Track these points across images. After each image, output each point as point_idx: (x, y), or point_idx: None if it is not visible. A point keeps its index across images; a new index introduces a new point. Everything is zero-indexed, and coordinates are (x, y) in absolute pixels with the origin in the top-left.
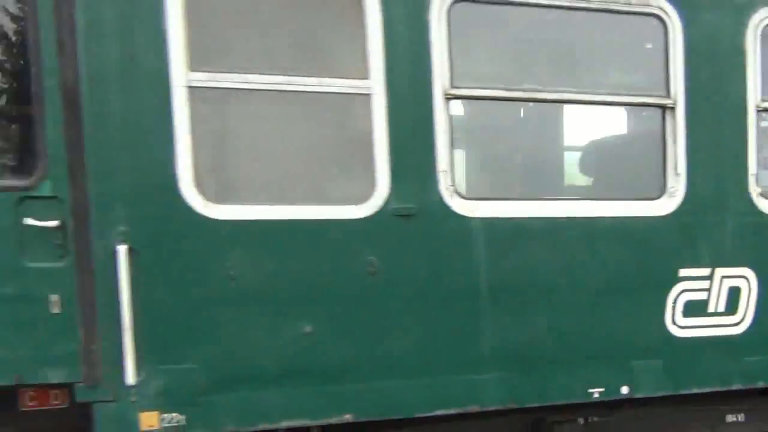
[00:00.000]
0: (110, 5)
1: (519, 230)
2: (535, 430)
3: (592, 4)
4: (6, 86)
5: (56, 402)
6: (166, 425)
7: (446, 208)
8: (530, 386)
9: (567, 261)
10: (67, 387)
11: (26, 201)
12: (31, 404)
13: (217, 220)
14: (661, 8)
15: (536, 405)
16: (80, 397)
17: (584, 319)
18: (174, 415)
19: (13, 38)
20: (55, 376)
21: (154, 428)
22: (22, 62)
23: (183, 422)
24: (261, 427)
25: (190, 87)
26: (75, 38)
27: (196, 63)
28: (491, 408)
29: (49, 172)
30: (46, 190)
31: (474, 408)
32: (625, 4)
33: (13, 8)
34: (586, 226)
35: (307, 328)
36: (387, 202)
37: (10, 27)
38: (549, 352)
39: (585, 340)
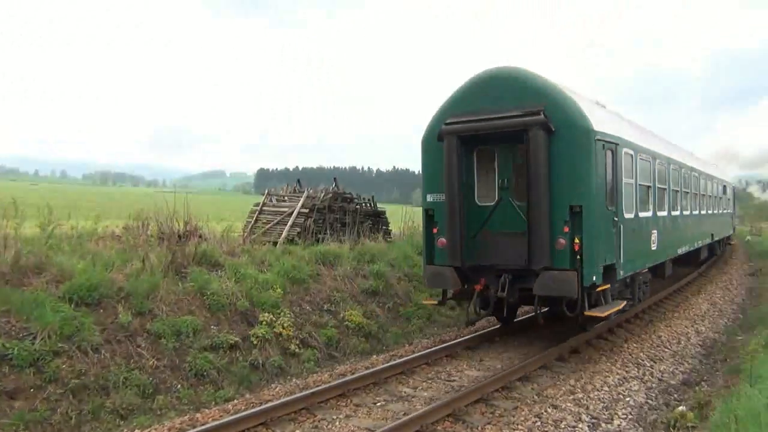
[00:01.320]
0: (585, 162)
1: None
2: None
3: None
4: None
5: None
6: (620, 276)
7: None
8: (673, 249)
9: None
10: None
11: (612, 214)
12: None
13: (624, 218)
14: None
15: (677, 256)
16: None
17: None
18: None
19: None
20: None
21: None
22: (608, 178)
23: (621, 273)
24: (634, 271)
25: (626, 183)
26: (618, 172)
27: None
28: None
29: (609, 204)
30: (613, 210)
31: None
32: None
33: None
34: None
35: (647, 244)
36: (653, 212)
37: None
38: (671, 245)
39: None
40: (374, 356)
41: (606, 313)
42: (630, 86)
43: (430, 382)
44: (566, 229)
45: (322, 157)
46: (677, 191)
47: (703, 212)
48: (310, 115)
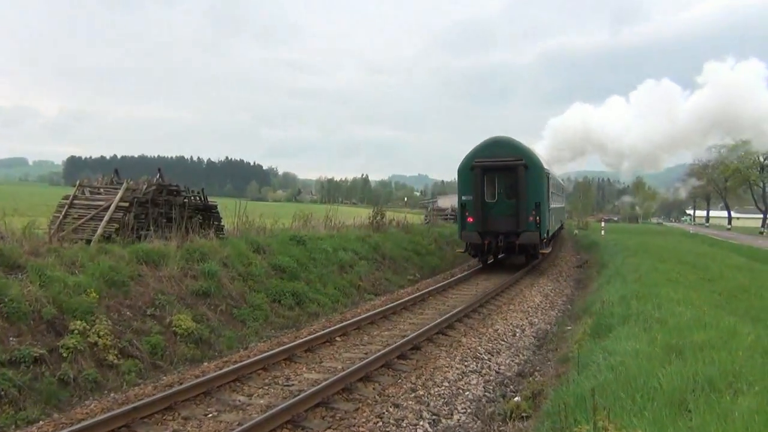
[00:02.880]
0: (540, 183)
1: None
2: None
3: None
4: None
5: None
6: (549, 235)
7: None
8: (554, 226)
9: (555, 213)
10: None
11: (548, 206)
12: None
13: (550, 208)
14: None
15: (555, 231)
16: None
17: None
18: (550, 233)
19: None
20: (547, 228)
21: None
22: (547, 189)
23: (549, 233)
24: (551, 234)
25: (550, 191)
26: (548, 188)
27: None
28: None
29: (547, 201)
30: (548, 204)
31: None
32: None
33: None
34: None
35: (553, 222)
36: (553, 206)
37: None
38: (554, 224)
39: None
40: (206, 363)
41: (548, 251)
42: (461, 79)
43: (267, 388)
44: (534, 213)
45: (144, 144)
46: (554, 193)
47: (558, 206)
48: (130, 97)
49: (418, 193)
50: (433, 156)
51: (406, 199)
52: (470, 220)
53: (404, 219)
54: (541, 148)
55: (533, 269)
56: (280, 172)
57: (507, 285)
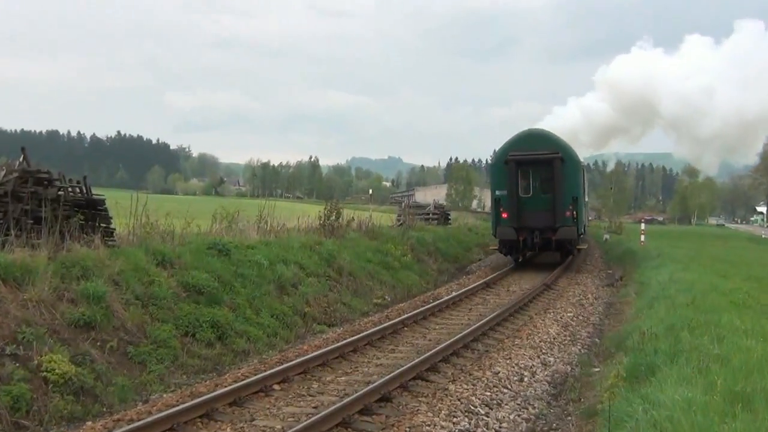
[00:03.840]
0: (577, 177)
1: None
2: None
3: None
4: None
5: None
6: (585, 230)
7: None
8: (585, 222)
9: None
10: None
11: (583, 199)
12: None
13: (585, 202)
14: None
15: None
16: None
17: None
18: (585, 228)
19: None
20: (583, 223)
21: None
22: (583, 182)
23: (585, 229)
24: (586, 229)
25: (585, 185)
26: (584, 181)
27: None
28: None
29: (583, 194)
30: (584, 198)
31: None
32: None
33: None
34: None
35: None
36: (586, 200)
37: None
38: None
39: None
40: (89, 422)
41: (585, 246)
42: (445, 27)
43: None
44: (571, 207)
45: (1, 115)
46: (586, 187)
47: (586, 200)
48: None
49: (387, 183)
50: (408, 132)
51: (371, 191)
52: (505, 215)
53: (369, 219)
54: (595, 113)
55: (548, 288)
56: (195, 153)
57: (511, 310)
